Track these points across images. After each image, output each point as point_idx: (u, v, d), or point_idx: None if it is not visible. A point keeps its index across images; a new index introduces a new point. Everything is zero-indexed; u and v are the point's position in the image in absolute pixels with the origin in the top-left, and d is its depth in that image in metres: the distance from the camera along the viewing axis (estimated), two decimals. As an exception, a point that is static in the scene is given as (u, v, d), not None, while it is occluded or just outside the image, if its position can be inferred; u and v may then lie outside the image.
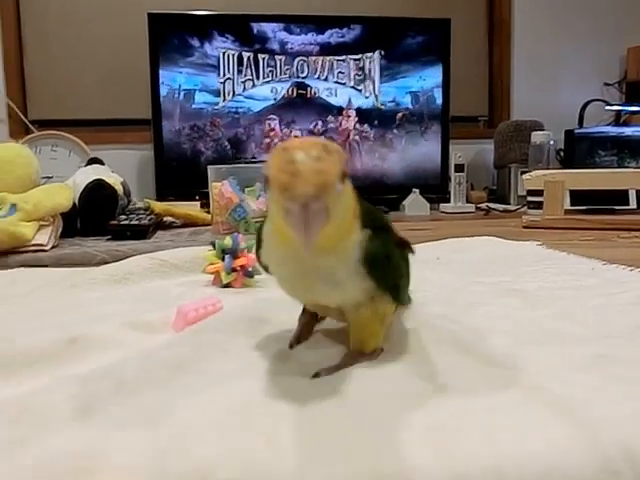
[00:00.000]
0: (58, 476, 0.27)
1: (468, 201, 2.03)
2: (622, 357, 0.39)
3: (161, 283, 0.66)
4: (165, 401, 0.34)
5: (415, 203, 1.86)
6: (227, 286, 0.64)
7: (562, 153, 2.01)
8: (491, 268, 0.69)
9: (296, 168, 0.28)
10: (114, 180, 1.11)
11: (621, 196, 1.81)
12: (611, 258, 0.74)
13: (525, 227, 1.14)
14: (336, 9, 1.94)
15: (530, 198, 1.83)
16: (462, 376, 0.37)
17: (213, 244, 0.65)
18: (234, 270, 0.63)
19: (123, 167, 1.59)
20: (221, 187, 0.96)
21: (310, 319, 0.44)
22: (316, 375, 0.36)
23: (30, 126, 1.91)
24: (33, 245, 0.88)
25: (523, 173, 1.55)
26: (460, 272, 0.67)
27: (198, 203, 1.48)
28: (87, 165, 1.25)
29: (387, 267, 0.36)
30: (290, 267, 0.35)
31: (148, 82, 1.73)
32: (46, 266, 0.80)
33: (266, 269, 0.40)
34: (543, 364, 0.38)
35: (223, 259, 0.64)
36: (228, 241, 0.64)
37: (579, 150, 2.02)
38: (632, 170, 1.67)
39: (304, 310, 0.44)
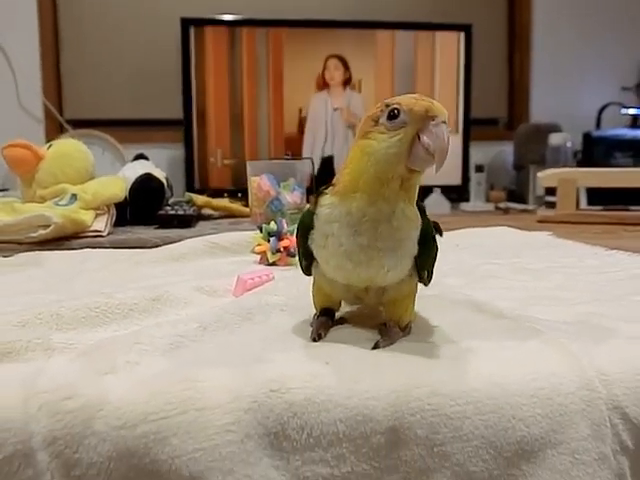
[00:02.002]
0: (173, 383, 0.36)
1: (487, 201, 2.10)
2: (609, 314, 0.48)
3: (213, 262, 0.76)
4: (240, 339, 0.44)
5: (436, 202, 1.94)
6: (272, 264, 0.73)
7: (580, 155, 2.08)
8: (505, 252, 0.78)
9: (429, 99, 0.38)
10: (159, 174, 1.21)
11: (636, 196, 1.87)
12: (614, 246, 0.81)
13: (539, 222, 1.21)
14: (359, 14, 2.02)
15: (548, 198, 1.91)
16: (475, 326, 0.45)
17: (260, 228, 0.74)
18: (279, 250, 0.73)
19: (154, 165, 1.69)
20: (259, 181, 1.05)
21: (326, 320, 0.46)
22: (375, 346, 0.41)
23: (65, 125, 2.00)
24: (92, 231, 0.98)
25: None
26: (477, 254, 0.75)
27: (227, 200, 1.58)
28: (134, 160, 1.35)
29: (432, 247, 0.42)
30: (359, 237, 0.39)
31: (180, 84, 1.82)
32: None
33: (307, 257, 0.43)
34: (542, 317, 0.47)
35: (269, 241, 0.73)
36: (273, 225, 0.73)
37: (596, 152, 2.08)
38: (643, 169, 1.73)
39: (320, 314, 0.46)
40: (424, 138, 0.37)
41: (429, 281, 0.44)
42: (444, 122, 0.37)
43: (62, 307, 0.47)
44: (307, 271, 0.45)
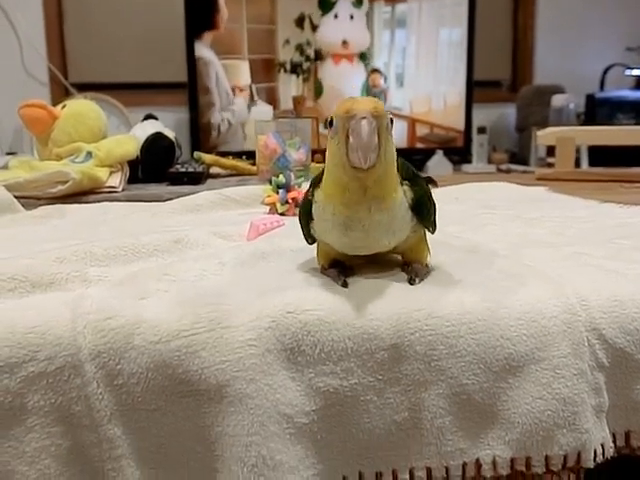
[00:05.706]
0: (201, 306, 0.41)
1: (489, 162, 2.13)
2: (593, 254, 0.52)
3: (226, 213, 0.80)
4: (257, 274, 0.48)
5: (438, 163, 1.96)
6: (281, 215, 0.77)
7: (583, 116, 2.09)
8: (501, 203, 0.82)
9: (356, 100, 0.40)
10: (169, 133, 1.25)
11: (638, 157, 1.89)
12: (608, 200, 0.84)
13: (538, 179, 1.25)
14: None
15: (550, 159, 1.93)
16: (471, 263, 0.50)
17: (270, 181, 0.79)
18: (287, 202, 0.77)
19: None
20: (266, 139, 1.08)
21: (340, 270, 0.47)
22: (411, 281, 0.45)
23: (70, 89, 2.02)
24: (107, 187, 1.03)
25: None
26: (475, 206, 0.79)
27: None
28: (143, 120, 1.39)
29: (429, 205, 0.46)
30: (352, 232, 0.42)
31: (184, 46, 1.83)
32: (123, 203, 0.94)
33: (311, 237, 0.47)
34: (532, 256, 0.51)
35: (278, 193, 0.77)
36: (282, 178, 0.78)
37: (600, 113, 2.09)
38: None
39: (330, 266, 0.47)
40: (349, 137, 0.39)
41: (434, 230, 0.48)
42: (364, 118, 0.38)
43: (94, 246, 0.52)
44: (311, 241, 0.49)
